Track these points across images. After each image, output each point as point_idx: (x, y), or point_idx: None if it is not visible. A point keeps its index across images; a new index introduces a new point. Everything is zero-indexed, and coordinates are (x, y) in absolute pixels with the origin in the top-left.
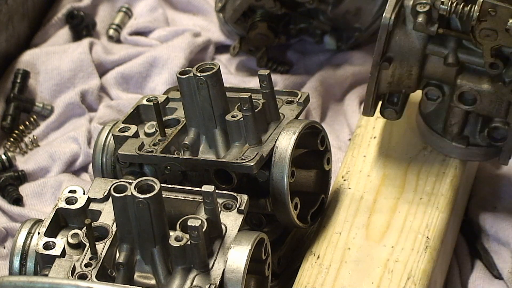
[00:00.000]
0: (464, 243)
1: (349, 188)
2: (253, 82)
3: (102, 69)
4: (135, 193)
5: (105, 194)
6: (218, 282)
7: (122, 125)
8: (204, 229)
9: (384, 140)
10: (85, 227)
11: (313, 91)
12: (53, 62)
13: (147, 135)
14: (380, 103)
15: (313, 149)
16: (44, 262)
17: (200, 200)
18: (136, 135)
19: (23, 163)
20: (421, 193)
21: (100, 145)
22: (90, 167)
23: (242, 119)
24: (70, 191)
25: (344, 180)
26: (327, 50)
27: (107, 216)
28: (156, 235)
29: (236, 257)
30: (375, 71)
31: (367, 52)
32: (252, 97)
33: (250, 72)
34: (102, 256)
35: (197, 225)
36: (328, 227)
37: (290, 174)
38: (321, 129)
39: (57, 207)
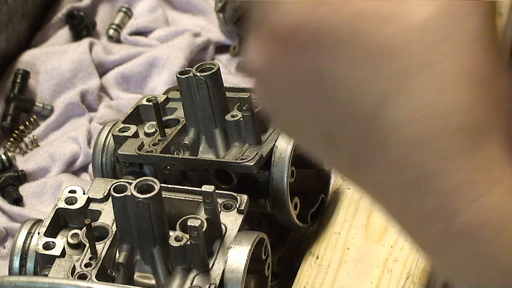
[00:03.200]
0: None
1: (348, 188)
2: None
3: (102, 69)
4: (135, 193)
5: (105, 194)
6: (218, 282)
7: (122, 125)
8: (204, 229)
9: None
10: (85, 227)
11: None
12: (53, 62)
13: (147, 135)
14: None
15: None
16: (44, 262)
17: (200, 200)
18: (136, 135)
19: (23, 163)
20: None
21: (100, 145)
22: (90, 167)
23: (241, 119)
24: (70, 191)
25: (343, 180)
26: None
27: (107, 216)
28: (156, 235)
29: (236, 257)
30: None
31: None
32: (252, 97)
33: None
34: (102, 256)
35: (197, 225)
36: (327, 227)
37: (290, 174)
38: None
39: (57, 207)
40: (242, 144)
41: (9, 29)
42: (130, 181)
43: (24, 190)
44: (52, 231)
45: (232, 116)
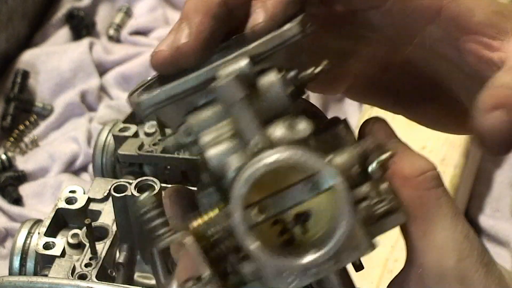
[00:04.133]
0: None
1: None
2: None
3: (102, 69)
4: (135, 193)
5: (105, 194)
6: None
7: (122, 125)
8: None
9: None
10: (85, 227)
11: None
12: (53, 62)
13: (147, 135)
14: None
15: None
16: (44, 262)
17: None
18: (136, 135)
19: (23, 163)
20: None
21: (100, 145)
22: (90, 167)
23: None
24: (70, 191)
25: None
26: None
27: (107, 216)
28: None
29: None
30: None
31: None
32: None
33: None
34: (102, 256)
35: None
36: None
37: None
38: None
39: (57, 207)
40: None
41: (9, 29)
42: (130, 181)
43: (24, 190)
44: (52, 231)
45: None
